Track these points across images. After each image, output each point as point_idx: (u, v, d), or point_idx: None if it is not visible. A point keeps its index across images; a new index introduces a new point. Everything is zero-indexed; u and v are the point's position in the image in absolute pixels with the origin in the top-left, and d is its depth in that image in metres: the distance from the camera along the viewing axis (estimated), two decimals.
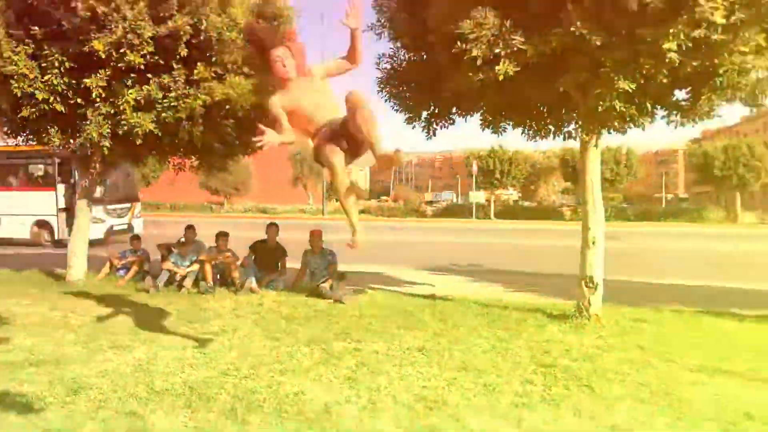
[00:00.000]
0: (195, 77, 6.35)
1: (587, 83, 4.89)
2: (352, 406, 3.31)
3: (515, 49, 4.61)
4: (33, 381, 3.66)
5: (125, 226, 15.61)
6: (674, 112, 5.58)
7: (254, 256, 7.58)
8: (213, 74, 6.44)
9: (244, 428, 2.98)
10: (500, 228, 26.49)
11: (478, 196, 36.38)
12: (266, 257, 7.70)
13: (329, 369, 3.99)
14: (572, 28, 4.38)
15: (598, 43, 4.39)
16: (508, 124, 6.53)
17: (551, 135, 6.39)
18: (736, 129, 64.97)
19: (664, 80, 4.79)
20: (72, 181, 14.18)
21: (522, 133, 6.55)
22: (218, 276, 7.48)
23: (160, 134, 6.46)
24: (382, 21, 6.21)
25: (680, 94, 5.55)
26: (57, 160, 14.58)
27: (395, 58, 6.54)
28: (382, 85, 6.53)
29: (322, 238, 7.56)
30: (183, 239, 7.97)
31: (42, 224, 14.65)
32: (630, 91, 4.67)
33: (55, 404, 3.28)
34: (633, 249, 15.78)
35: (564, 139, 6.28)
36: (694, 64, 4.56)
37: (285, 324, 5.45)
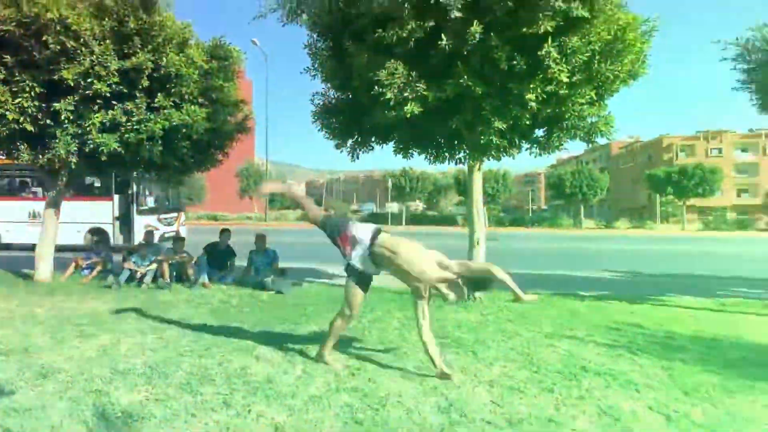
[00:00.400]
0: (155, 105, 6.03)
1: (472, 122, 5.18)
2: (289, 376, 3.28)
3: (420, 94, 4.81)
4: (2, 369, 3.32)
5: (174, 233, 14.00)
6: (535, 146, 6.03)
7: (207, 256, 7.28)
8: (171, 103, 6.15)
9: (197, 398, 2.88)
10: (410, 232, 26.97)
11: (393, 207, 37.03)
12: (218, 257, 7.41)
13: (271, 347, 3.94)
14: (461, 80, 4.64)
15: (480, 92, 4.68)
16: (415, 151, 6.74)
17: (447, 160, 6.67)
18: (581, 158, 70.39)
19: (528, 122, 5.17)
20: (130, 192, 13.03)
21: (425, 158, 6.78)
22: (174, 274, 7.11)
23: (123, 152, 6.06)
24: (316, 66, 6.22)
25: (539, 132, 5.99)
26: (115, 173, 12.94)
27: (326, 96, 6.59)
28: (315, 117, 6.54)
29: (266, 241, 7.42)
30: (144, 242, 7.50)
31: (96, 231, 12.81)
32: (503, 129, 5.00)
33: (25, 388, 2.99)
34: (508, 248, 16.65)
35: (456, 164, 6.57)
36: (548, 110, 4.97)
37: (234, 312, 5.29)
